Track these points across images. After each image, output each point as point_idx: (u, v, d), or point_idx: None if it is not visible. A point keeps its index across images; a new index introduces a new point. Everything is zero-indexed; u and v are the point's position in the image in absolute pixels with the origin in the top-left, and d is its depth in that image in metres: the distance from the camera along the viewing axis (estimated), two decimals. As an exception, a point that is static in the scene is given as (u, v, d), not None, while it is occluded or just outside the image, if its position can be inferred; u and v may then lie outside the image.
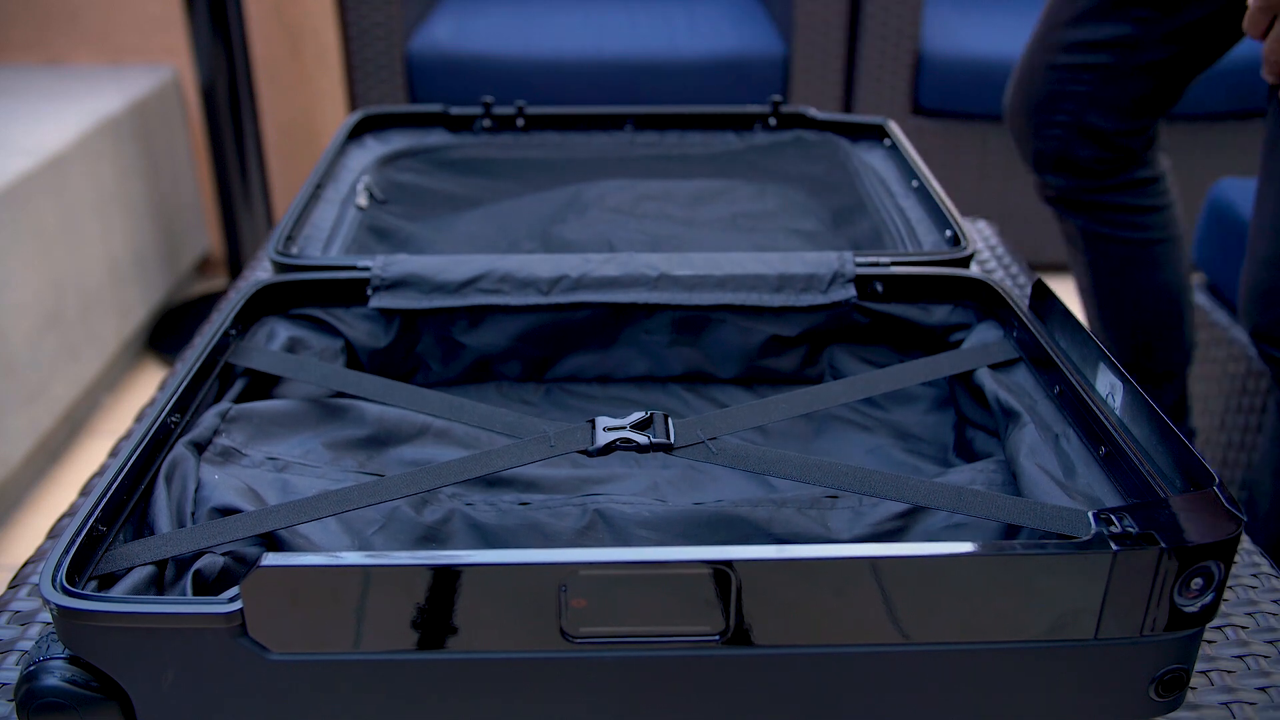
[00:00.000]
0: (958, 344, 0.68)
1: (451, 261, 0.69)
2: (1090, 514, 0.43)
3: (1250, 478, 1.02)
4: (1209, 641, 0.54)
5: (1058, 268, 2.15)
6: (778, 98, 0.99)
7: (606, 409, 0.71)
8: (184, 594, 0.46)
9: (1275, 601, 0.57)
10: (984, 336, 0.66)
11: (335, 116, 2.04)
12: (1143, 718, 0.45)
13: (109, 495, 0.48)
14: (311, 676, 0.42)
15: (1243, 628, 0.55)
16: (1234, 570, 0.59)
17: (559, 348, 0.72)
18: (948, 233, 0.75)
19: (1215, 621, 0.54)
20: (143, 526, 0.50)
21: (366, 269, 0.68)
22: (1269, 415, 1.00)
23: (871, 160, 0.93)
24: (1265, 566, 0.59)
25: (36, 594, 0.57)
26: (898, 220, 0.81)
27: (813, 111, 0.98)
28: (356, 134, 0.96)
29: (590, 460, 0.60)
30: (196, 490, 0.53)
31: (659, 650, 0.42)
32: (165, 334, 1.87)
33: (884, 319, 0.70)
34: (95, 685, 0.42)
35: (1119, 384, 0.53)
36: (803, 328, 0.71)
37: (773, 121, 0.99)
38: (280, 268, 0.70)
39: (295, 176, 2.08)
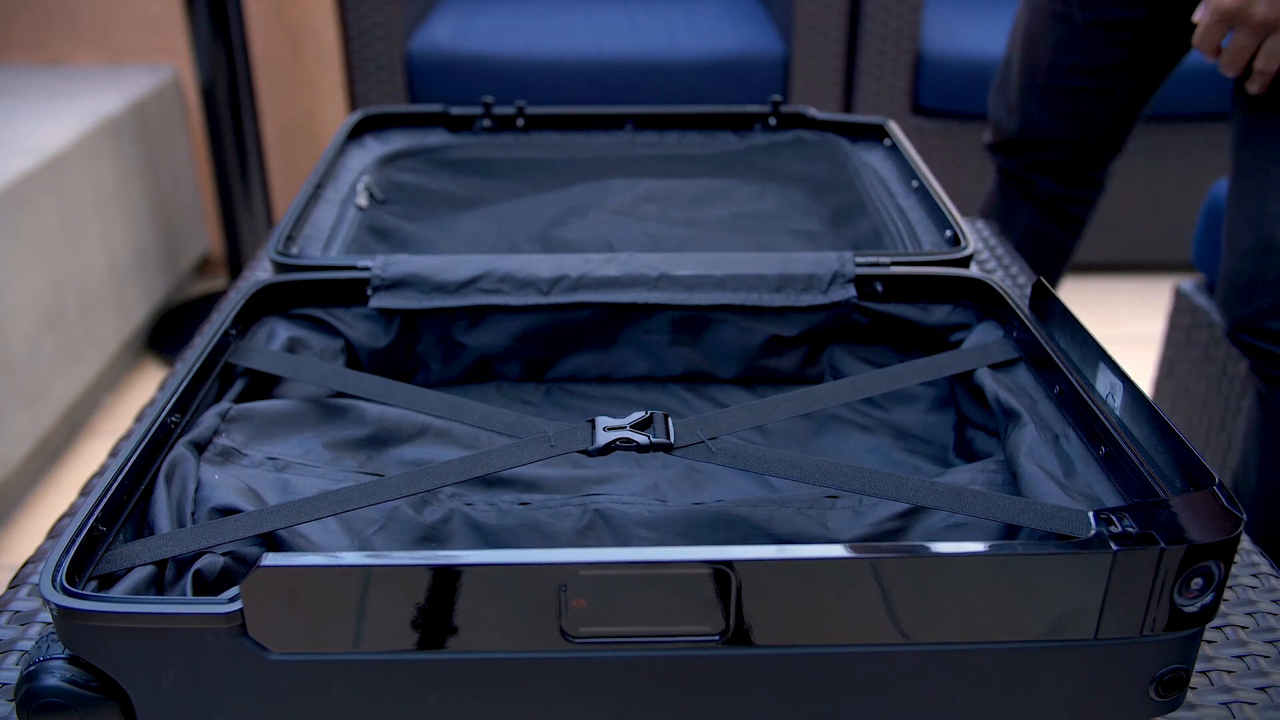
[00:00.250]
0: (958, 344, 0.68)
1: (451, 261, 0.69)
2: (1090, 514, 0.43)
3: (1235, 474, 1.03)
4: (1209, 641, 0.54)
5: (1058, 268, 2.15)
6: (778, 98, 0.99)
7: (606, 409, 0.71)
8: (184, 594, 0.46)
9: (1275, 602, 0.57)
10: (984, 336, 0.66)
11: (335, 116, 2.04)
12: (1143, 718, 0.45)
13: (109, 495, 0.48)
14: (311, 676, 0.42)
15: (1242, 628, 0.55)
16: (1233, 570, 0.59)
17: (559, 348, 0.72)
18: (948, 233, 0.75)
19: (1215, 621, 0.54)
20: (143, 526, 0.50)
21: (366, 269, 0.68)
22: (1248, 408, 1.00)
23: (871, 160, 0.93)
24: (1265, 566, 0.59)
25: (36, 594, 0.57)
26: (898, 220, 0.81)
27: (813, 111, 0.98)
28: (356, 134, 0.96)
29: (590, 460, 0.60)
30: (196, 490, 0.53)
31: (659, 650, 0.42)
32: (165, 334, 1.87)
33: (884, 319, 0.70)
34: (95, 685, 0.42)
35: (1119, 384, 0.53)
36: (803, 328, 0.71)
37: (773, 121, 0.99)
38: (280, 268, 0.70)
39: (295, 176, 2.08)
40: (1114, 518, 0.43)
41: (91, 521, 0.46)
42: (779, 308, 0.69)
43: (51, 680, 0.42)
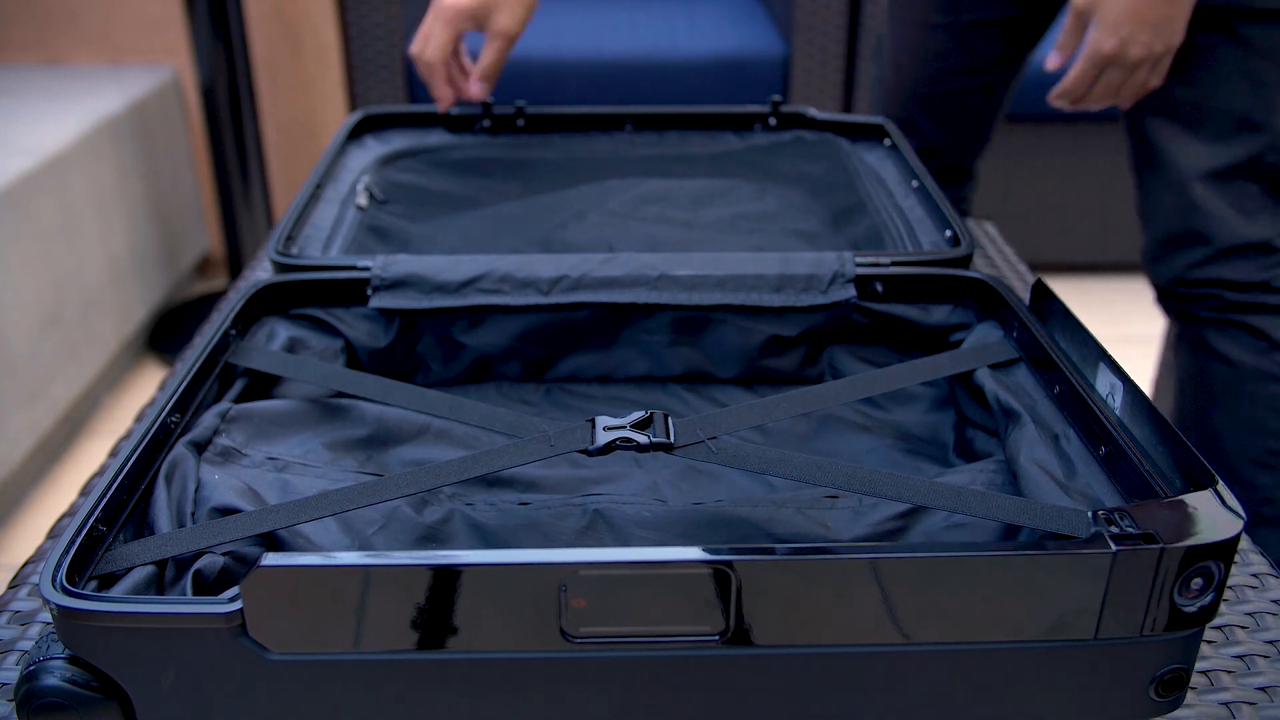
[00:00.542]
0: (958, 344, 0.68)
1: (451, 261, 0.69)
2: (1090, 514, 0.43)
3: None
4: (1208, 642, 0.54)
5: (1058, 268, 2.15)
6: (777, 98, 0.99)
7: (606, 409, 0.71)
8: (184, 594, 0.46)
9: (1274, 602, 0.57)
10: (984, 336, 0.66)
11: (335, 116, 2.04)
12: (1143, 718, 0.45)
13: (109, 495, 0.48)
14: (311, 676, 0.42)
15: (1242, 628, 0.55)
16: (1233, 571, 0.59)
17: (559, 348, 0.72)
18: (947, 232, 0.75)
19: (1214, 622, 0.54)
20: (143, 526, 0.50)
21: (366, 269, 0.68)
22: (1180, 365, 1.06)
23: (871, 160, 0.93)
24: (1264, 567, 0.59)
25: (36, 594, 0.57)
26: (897, 220, 0.82)
27: (813, 111, 0.98)
28: (356, 134, 0.96)
29: (590, 460, 0.60)
30: (196, 490, 0.53)
31: (659, 650, 0.42)
32: (165, 334, 1.87)
33: (884, 319, 0.70)
34: (95, 685, 0.42)
35: (1119, 384, 0.53)
36: (803, 328, 0.71)
37: (773, 121, 0.99)
38: (280, 268, 0.70)
39: (295, 176, 2.08)
40: (1114, 518, 0.43)
41: (91, 521, 0.46)
42: (779, 308, 0.69)
43: (51, 680, 0.42)
